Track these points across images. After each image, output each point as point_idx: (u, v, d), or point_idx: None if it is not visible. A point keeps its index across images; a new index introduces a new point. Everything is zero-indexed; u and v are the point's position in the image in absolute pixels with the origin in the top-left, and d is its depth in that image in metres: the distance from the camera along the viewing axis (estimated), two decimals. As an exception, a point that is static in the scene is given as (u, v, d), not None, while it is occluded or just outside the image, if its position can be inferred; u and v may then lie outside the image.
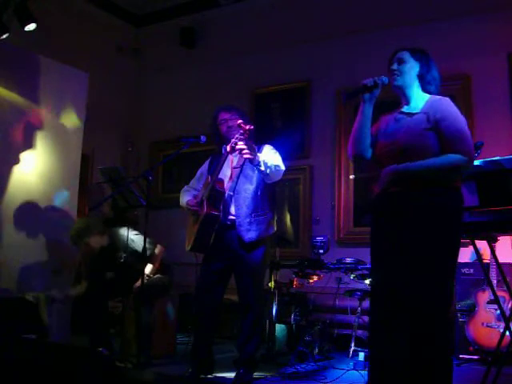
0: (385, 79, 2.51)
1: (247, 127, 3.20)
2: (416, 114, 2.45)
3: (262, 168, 3.24)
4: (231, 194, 3.38)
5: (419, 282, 2.28)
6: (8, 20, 4.48)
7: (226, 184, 3.40)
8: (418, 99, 2.49)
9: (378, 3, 5.26)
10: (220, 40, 6.18)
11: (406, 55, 2.51)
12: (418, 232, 2.31)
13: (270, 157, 3.35)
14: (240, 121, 3.26)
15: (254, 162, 3.23)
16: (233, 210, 3.37)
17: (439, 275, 2.29)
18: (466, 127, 2.39)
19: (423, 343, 2.24)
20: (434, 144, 2.36)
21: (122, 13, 6.49)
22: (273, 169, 3.29)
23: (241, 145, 3.15)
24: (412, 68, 2.49)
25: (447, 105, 2.42)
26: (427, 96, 2.49)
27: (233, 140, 3.24)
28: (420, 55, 2.52)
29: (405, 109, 2.52)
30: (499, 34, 4.75)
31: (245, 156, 3.17)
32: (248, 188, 3.38)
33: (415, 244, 2.31)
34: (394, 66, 2.50)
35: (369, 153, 2.55)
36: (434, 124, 2.37)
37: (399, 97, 2.58)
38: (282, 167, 3.38)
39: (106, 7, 6.26)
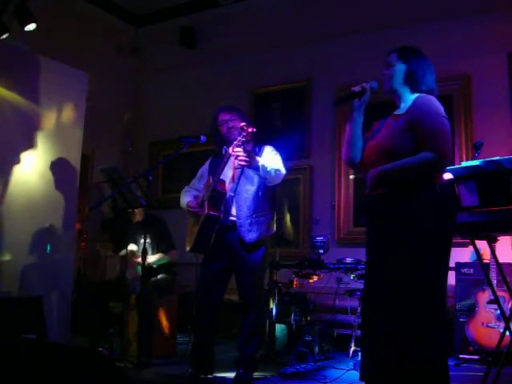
0: (374, 84, 2.51)
1: (250, 130, 3.20)
2: (401, 115, 2.45)
3: (261, 173, 3.26)
4: (232, 194, 3.38)
5: (405, 283, 2.26)
6: (8, 20, 4.48)
7: (228, 185, 3.40)
8: (407, 101, 2.48)
9: (378, 3, 5.25)
10: (220, 40, 6.18)
11: (394, 58, 2.50)
12: (400, 233, 2.30)
13: (270, 160, 3.35)
14: (243, 123, 3.25)
15: (251, 167, 3.24)
16: (234, 210, 3.37)
17: (425, 275, 2.27)
18: (444, 125, 2.33)
19: (414, 344, 2.24)
20: (411, 144, 2.34)
21: (121, 13, 6.49)
22: (272, 173, 3.30)
23: (237, 151, 3.17)
24: (399, 70, 2.47)
25: (425, 103, 2.39)
26: (414, 96, 2.46)
27: (235, 142, 3.24)
28: (408, 54, 2.49)
29: (396, 111, 2.53)
30: (499, 33, 4.75)
31: (240, 163, 3.19)
32: (249, 189, 3.38)
33: (399, 245, 2.30)
34: (384, 71, 2.51)
35: (358, 158, 2.55)
36: (412, 124, 2.35)
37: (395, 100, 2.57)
38: (283, 171, 3.38)
39: (106, 7, 6.27)
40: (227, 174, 3.42)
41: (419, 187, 2.31)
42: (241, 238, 3.33)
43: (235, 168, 3.42)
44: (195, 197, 3.56)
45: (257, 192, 3.38)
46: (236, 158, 3.21)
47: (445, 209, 2.34)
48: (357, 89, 2.50)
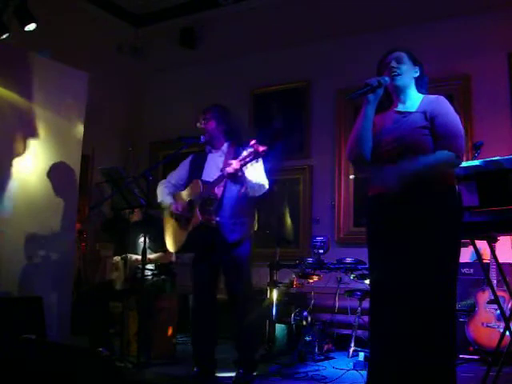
0: (387, 79, 2.49)
1: (261, 149, 3.18)
2: (413, 112, 2.47)
3: (242, 190, 3.33)
4: (219, 195, 3.39)
5: (424, 283, 2.27)
6: (8, 20, 4.48)
7: (217, 188, 3.40)
8: (414, 99, 2.52)
9: (378, 3, 5.25)
10: (220, 40, 6.18)
11: (404, 56, 2.51)
12: (422, 233, 2.31)
13: (257, 173, 3.37)
14: (253, 141, 3.21)
15: (233, 181, 3.32)
16: (219, 211, 3.38)
17: (444, 277, 2.30)
18: (460, 126, 2.41)
19: (426, 345, 2.24)
20: (431, 141, 2.38)
21: (121, 13, 6.49)
22: (255, 188, 3.35)
23: (230, 169, 3.22)
24: (409, 70, 2.51)
25: (443, 102, 2.45)
26: (421, 96, 2.53)
27: (241, 157, 3.22)
28: (416, 60, 2.55)
29: (400, 108, 2.53)
30: (499, 33, 4.75)
31: (226, 171, 3.24)
32: (233, 189, 3.40)
33: (419, 245, 2.30)
34: (394, 64, 2.50)
35: (369, 155, 2.49)
36: (430, 121, 2.40)
37: (390, 95, 2.56)
38: (266, 186, 3.42)
39: (106, 7, 6.26)
40: (213, 174, 3.42)
41: (443, 187, 2.36)
42: (224, 238, 3.35)
43: (221, 169, 3.42)
44: (173, 196, 3.57)
45: (241, 195, 3.40)
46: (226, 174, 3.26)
47: (461, 208, 2.43)
48: (374, 82, 2.44)
